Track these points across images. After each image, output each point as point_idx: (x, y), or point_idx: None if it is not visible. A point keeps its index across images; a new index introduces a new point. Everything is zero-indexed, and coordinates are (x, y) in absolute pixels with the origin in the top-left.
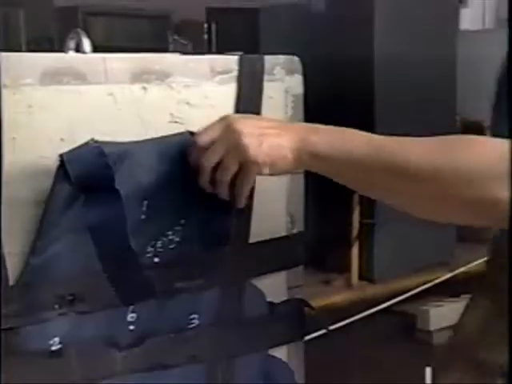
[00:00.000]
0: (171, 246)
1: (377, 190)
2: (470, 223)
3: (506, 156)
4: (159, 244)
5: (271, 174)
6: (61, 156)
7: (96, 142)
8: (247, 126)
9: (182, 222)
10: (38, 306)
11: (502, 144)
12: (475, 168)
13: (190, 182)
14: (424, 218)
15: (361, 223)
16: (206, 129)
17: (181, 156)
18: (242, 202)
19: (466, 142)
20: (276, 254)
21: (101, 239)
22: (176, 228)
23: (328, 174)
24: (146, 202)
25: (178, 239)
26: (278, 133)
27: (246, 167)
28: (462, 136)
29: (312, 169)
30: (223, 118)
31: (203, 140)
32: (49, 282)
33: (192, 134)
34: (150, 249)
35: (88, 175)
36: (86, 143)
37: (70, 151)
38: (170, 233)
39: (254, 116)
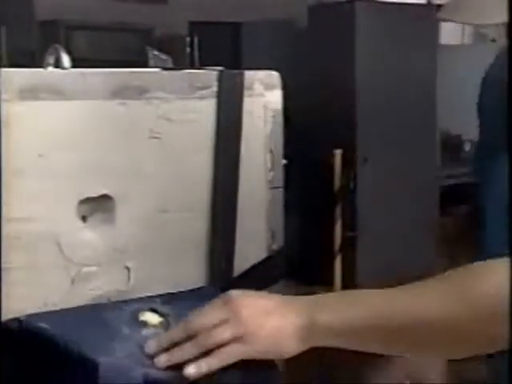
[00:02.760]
0: None
1: (393, 348)
2: (472, 355)
3: (505, 287)
4: None
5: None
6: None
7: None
8: (251, 308)
9: None
10: None
11: (503, 273)
12: (486, 311)
13: None
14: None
15: (343, 236)
16: (204, 309)
17: None
18: (200, 370)
19: (474, 282)
20: (257, 275)
21: None
22: None
23: (342, 346)
24: None
25: None
26: (282, 312)
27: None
28: (467, 273)
29: (323, 345)
30: (223, 298)
31: (201, 321)
32: None
33: None
34: None
35: None
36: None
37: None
38: None
39: (255, 294)
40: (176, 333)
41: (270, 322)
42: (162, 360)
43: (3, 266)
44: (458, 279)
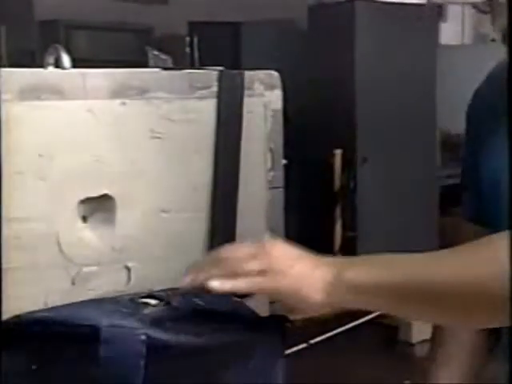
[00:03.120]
0: None
1: (409, 312)
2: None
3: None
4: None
5: (295, 312)
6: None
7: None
8: (282, 252)
9: None
10: None
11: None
12: (494, 282)
13: None
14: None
15: (343, 236)
16: (234, 244)
17: None
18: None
19: (484, 252)
20: None
21: None
22: None
23: (364, 306)
24: None
25: None
26: (312, 263)
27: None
28: (477, 245)
29: (346, 303)
30: (258, 242)
31: (229, 253)
32: None
33: None
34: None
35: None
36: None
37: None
38: None
39: (291, 246)
40: (203, 261)
41: (298, 266)
42: (187, 279)
43: (3, 266)
44: (468, 251)
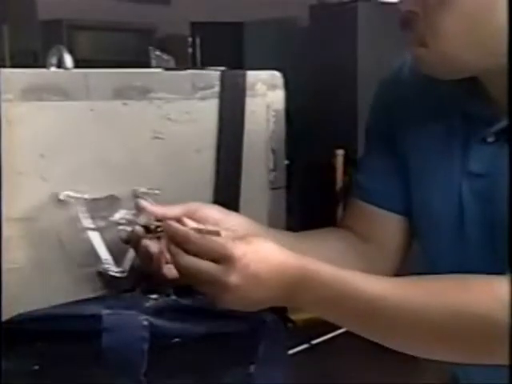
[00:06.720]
0: None
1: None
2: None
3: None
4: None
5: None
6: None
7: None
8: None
9: None
10: None
11: (500, 286)
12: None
13: None
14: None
15: None
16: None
17: None
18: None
19: (465, 286)
20: None
21: None
22: None
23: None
24: None
25: None
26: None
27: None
28: (461, 280)
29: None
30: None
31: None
32: None
33: None
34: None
35: None
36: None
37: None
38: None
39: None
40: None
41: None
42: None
43: (6, 266)
44: (454, 291)
